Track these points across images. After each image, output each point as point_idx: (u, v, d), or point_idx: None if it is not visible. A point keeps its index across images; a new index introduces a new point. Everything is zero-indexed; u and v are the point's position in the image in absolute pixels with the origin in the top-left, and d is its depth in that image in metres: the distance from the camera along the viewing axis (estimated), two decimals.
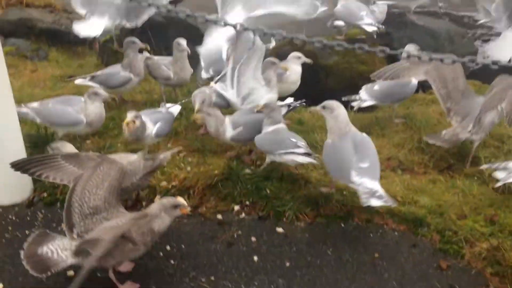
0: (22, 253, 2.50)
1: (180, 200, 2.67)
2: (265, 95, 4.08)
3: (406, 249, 2.99)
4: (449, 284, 2.71)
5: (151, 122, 3.67)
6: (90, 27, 6.04)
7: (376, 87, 4.63)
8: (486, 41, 6.93)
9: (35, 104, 4.07)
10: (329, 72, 5.92)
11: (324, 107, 3.26)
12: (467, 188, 3.56)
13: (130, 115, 3.44)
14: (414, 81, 4.53)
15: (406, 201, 3.41)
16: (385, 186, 3.50)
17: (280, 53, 6.43)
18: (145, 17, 6.18)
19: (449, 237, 3.03)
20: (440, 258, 2.91)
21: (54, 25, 8.66)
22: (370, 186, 2.86)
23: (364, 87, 4.73)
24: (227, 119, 3.70)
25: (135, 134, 3.52)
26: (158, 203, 2.59)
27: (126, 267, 2.78)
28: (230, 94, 4.14)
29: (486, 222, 3.12)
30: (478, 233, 3.01)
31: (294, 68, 4.68)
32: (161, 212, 2.54)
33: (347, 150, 3.05)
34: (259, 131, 3.56)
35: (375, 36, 5.91)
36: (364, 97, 4.60)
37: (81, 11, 6.26)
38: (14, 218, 3.25)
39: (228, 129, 3.67)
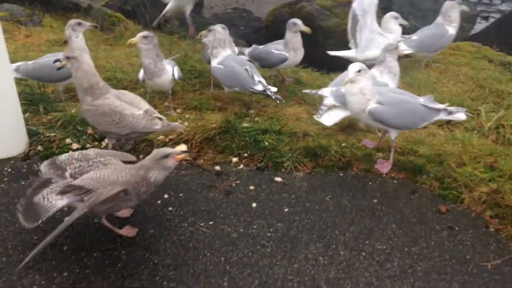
0: (18, 206, 2.47)
1: (179, 147, 2.63)
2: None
3: (404, 196, 2.98)
4: (448, 226, 2.70)
5: (170, 66, 3.84)
6: None
7: (415, 37, 4.96)
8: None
9: (28, 63, 4.06)
10: (327, 34, 5.84)
11: None
12: (466, 139, 3.54)
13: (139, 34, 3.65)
14: (452, 31, 4.74)
15: (405, 151, 3.40)
16: (384, 139, 3.50)
17: (279, 15, 6.37)
18: None
19: (448, 183, 3.02)
20: (439, 203, 2.89)
21: None
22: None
23: (403, 39, 4.94)
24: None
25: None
26: (151, 155, 2.53)
27: (124, 213, 2.76)
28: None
29: (485, 168, 3.10)
30: (478, 178, 3.00)
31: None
32: (154, 163, 2.47)
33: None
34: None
35: None
36: (403, 47, 4.58)
37: None
38: (10, 170, 3.21)
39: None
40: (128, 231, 2.63)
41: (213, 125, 3.57)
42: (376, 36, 4.76)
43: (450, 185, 3.00)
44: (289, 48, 4.37)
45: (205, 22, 7.18)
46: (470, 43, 5.99)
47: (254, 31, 7.59)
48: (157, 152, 2.52)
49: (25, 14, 7.43)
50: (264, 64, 4.54)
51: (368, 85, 3.03)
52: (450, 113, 3.06)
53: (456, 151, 3.36)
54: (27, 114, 3.82)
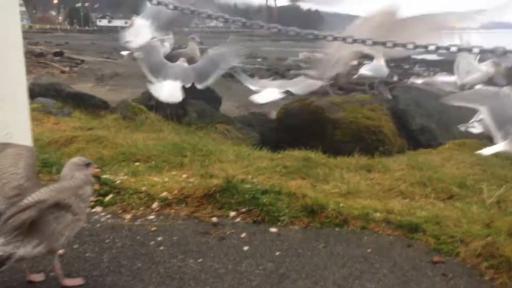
0: None
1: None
2: None
3: (399, 248, 2.93)
4: (442, 273, 2.61)
5: None
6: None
7: None
8: None
9: None
10: (336, 125, 6.15)
11: None
12: (466, 208, 3.53)
13: None
14: None
15: (403, 213, 3.40)
16: (381, 205, 3.55)
17: (289, 108, 6.76)
18: (211, 80, 6.77)
19: (444, 239, 2.97)
20: (434, 255, 2.83)
21: (81, 90, 9.34)
22: None
23: None
24: None
25: None
26: (68, 164, 2.34)
27: (36, 277, 2.43)
28: None
29: (482, 227, 3.06)
30: (474, 234, 2.95)
31: None
32: (74, 173, 2.29)
33: None
34: None
35: None
36: None
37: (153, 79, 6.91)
38: None
39: None
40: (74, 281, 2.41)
41: (215, 182, 3.69)
42: None
43: (446, 240, 2.95)
44: None
45: (223, 120, 7.63)
46: (477, 140, 6.17)
47: (269, 130, 7.99)
48: (77, 159, 2.37)
49: (57, 107, 8.10)
50: None
51: None
52: None
53: (455, 215, 3.35)
54: (41, 174, 4.03)
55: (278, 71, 23.33)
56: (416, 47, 4.35)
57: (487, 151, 5.06)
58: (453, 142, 5.74)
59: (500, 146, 5.05)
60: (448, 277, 2.58)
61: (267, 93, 6.99)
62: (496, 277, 2.56)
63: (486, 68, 7.56)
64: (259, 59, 36.32)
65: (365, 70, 6.96)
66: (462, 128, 5.91)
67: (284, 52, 39.74)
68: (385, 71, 7.11)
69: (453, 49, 3.45)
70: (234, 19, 5.73)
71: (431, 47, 3.88)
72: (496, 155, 5.52)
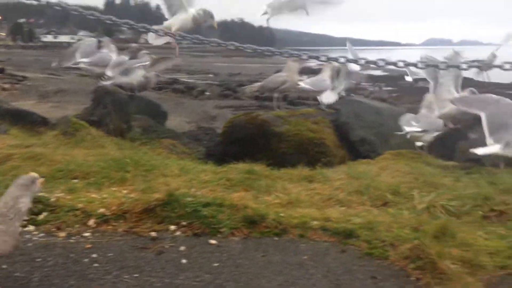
0: None
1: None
2: None
3: (334, 254, 3.03)
4: (372, 276, 2.72)
5: None
6: None
7: None
8: None
9: None
10: (281, 138, 6.27)
11: None
12: (398, 213, 3.70)
13: None
14: None
15: (340, 220, 3.51)
16: (319, 213, 3.66)
17: (236, 122, 6.83)
18: None
19: (375, 243, 3.10)
20: (366, 261, 2.94)
21: (19, 107, 9.01)
22: None
23: None
24: None
25: None
26: (15, 185, 2.35)
27: None
28: None
29: (411, 231, 3.22)
30: (403, 238, 3.09)
31: None
32: (24, 191, 2.32)
33: None
34: None
35: None
36: None
37: None
38: None
39: None
40: None
41: (156, 196, 3.66)
42: None
43: (377, 244, 3.08)
44: None
45: (169, 135, 7.59)
46: (411, 151, 6.46)
47: (216, 144, 8.02)
48: (25, 178, 2.39)
49: None
50: None
51: None
52: None
53: (387, 221, 3.50)
54: None
55: (229, 87, 23.56)
56: (367, 62, 4.87)
57: (480, 151, 5.38)
58: (389, 152, 5.98)
59: (491, 149, 5.39)
60: (377, 279, 2.69)
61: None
62: (421, 277, 2.70)
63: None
64: (211, 75, 36.41)
65: (304, 84, 7.19)
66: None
67: (236, 68, 40.12)
68: (326, 85, 7.35)
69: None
70: (191, 36, 5.82)
71: (381, 63, 4.37)
72: (428, 163, 5.83)
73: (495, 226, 3.58)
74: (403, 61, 4.44)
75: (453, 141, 7.14)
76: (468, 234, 3.29)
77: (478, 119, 5.70)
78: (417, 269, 2.78)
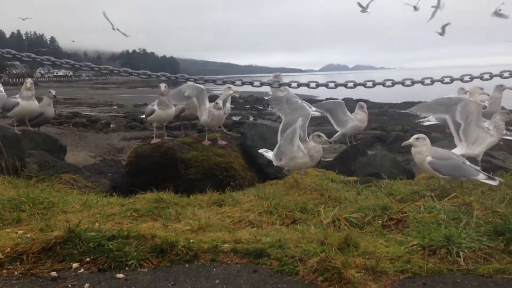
0: None
1: None
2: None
3: (246, 275, 3.03)
4: None
5: None
6: None
7: None
8: None
9: None
10: (188, 164, 6.19)
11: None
12: (305, 230, 3.82)
13: None
14: None
15: (250, 241, 3.54)
16: (230, 236, 3.66)
17: (140, 151, 6.65)
18: None
19: (285, 260, 3.16)
20: (277, 278, 2.98)
21: None
22: None
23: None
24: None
25: None
26: None
27: None
28: None
29: (318, 245, 3.34)
30: (311, 252, 3.19)
31: None
32: None
33: None
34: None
35: None
36: None
37: None
38: None
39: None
40: None
41: (55, 234, 3.42)
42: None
43: (287, 261, 3.15)
44: None
45: (69, 169, 7.16)
46: (315, 169, 6.75)
47: (121, 176, 7.71)
48: None
49: None
50: None
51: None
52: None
53: (296, 238, 3.59)
54: None
55: (135, 118, 22.96)
56: (280, 85, 5.39)
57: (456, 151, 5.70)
58: (297, 171, 6.18)
59: (459, 149, 5.72)
60: None
61: None
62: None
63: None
64: (115, 107, 35.28)
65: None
66: None
67: (142, 99, 39.29)
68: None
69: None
70: (101, 67, 5.72)
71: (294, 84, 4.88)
72: (332, 179, 6.13)
73: (393, 233, 3.84)
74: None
75: (353, 157, 7.61)
76: (370, 243, 3.50)
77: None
78: (325, 281, 2.88)
